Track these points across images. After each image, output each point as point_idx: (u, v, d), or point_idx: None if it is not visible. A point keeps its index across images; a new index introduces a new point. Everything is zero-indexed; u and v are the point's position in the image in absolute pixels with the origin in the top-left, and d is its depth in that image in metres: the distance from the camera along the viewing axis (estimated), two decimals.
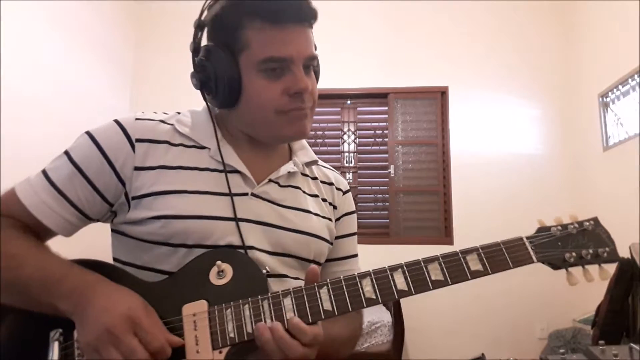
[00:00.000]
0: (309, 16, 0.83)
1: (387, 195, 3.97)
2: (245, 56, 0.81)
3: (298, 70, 0.81)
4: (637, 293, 2.42)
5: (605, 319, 2.46)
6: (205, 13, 0.85)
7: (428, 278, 0.75)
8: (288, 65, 0.81)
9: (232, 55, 0.81)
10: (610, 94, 3.34)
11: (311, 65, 0.86)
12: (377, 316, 3.16)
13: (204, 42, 0.87)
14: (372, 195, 4.02)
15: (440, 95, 4.04)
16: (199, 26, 0.85)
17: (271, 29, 0.79)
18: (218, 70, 0.82)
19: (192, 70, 0.86)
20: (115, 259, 0.86)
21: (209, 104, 0.88)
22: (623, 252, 2.46)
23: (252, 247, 0.81)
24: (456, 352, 3.50)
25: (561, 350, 1.60)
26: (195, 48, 0.86)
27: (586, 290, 3.23)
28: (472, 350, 3.33)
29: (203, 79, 0.84)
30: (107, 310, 0.70)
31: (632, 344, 1.43)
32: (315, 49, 0.90)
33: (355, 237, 1.03)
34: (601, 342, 1.46)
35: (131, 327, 0.69)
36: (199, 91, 0.88)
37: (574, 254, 0.78)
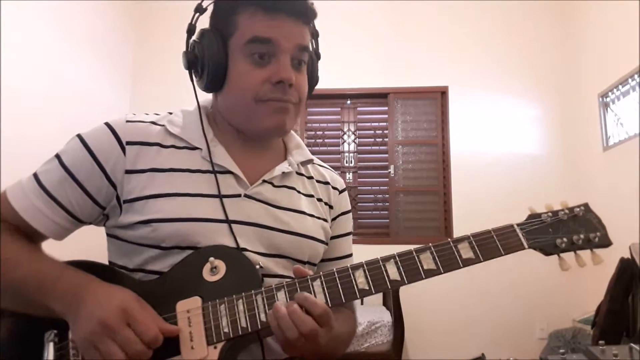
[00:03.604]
0: (304, 12, 0.83)
1: (387, 195, 3.97)
2: (234, 39, 0.82)
3: (284, 60, 0.81)
4: (637, 293, 2.42)
5: (605, 319, 2.45)
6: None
7: (420, 267, 0.75)
8: (275, 53, 0.80)
9: (222, 39, 0.82)
10: (610, 94, 3.34)
11: (302, 60, 0.85)
12: (377, 316, 3.16)
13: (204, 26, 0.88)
14: (372, 195, 4.02)
15: (440, 95, 4.04)
16: (197, 9, 0.86)
17: (262, 15, 0.80)
18: (206, 51, 0.82)
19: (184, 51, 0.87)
20: (110, 262, 0.86)
21: (195, 88, 0.87)
22: (623, 252, 2.46)
23: (244, 249, 0.80)
24: (456, 352, 3.49)
25: (561, 350, 1.60)
26: (190, 29, 0.86)
27: (586, 290, 3.23)
28: (472, 350, 3.33)
29: (191, 59, 0.85)
30: (100, 304, 0.71)
31: (632, 344, 1.43)
32: (314, 56, 0.90)
33: (350, 236, 1.03)
34: (601, 342, 1.45)
35: (124, 318, 0.69)
36: (199, 86, 0.88)
37: (565, 239, 0.78)
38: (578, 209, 0.80)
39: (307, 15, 0.84)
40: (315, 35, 0.91)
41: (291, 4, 0.81)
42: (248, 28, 0.80)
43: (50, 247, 0.84)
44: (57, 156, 0.82)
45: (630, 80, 3.08)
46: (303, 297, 0.71)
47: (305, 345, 0.71)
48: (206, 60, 0.82)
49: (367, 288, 0.74)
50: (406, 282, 0.75)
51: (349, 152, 4.09)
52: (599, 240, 0.78)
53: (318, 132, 4.12)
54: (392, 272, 0.75)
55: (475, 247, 0.77)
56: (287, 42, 0.81)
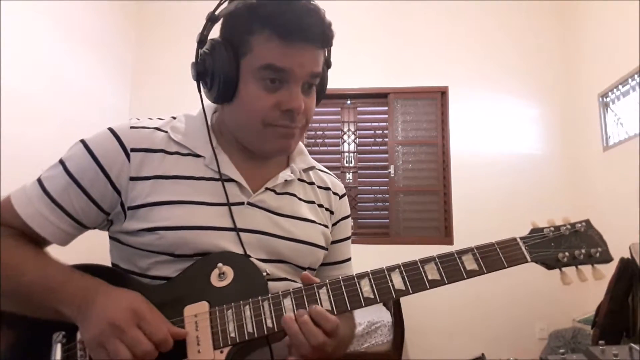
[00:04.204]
0: (321, 39, 0.81)
1: (387, 195, 3.98)
2: (247, 60, 0.79)
3: (295, 88, 0.80)
4: (637, 293, 2.42)
5: (605, 319, 2.46)
6: (222, 7, 0.83)
7: (425, 278, 0.76)
8: (287, 80, 0.79)
9: (235, 56, 0.80)
10: (610, 94, 3.34)
11: (313, 83, 0.84)
12: (377, 316, 3.16)
13: (215, 35, 0.85)
14: (372, 195, 4.02)
15: (440, 95, 4.04)
16: (210, 19, 0.84)
17: (278, 41, 0.77)
18: (217, 66, 0.80)
19: (193, 61, 0.85)
20: (113, 265, 0.87)
21: (202, 97, 0.86)
22: (623, 252, 2.46)
23: (248, 256, 0.81)
24: (456, 352, 3.50)
25: (561, 350, 1.60)
26: (202, 39, 0.84)
27: (586, 290, 3.23)
28: (472, 350, 3.34)
29: (201, 70, 0.83)
30: (110, 306, 0.72)
31: (632, 344, 1.43)
32: (325, 67, 0.88)
33: (350, 240, 1.03)
34: (601, 342, 1.46)
35: (134, 319, 0.70)
36: (207, 97, 0.86)
37: (567, 254, 0.79)
38: (579, 225, 0.81)
39: (325, 42, 0.83)
40: (329, 45, 0.89)
41: (309, 32, 0.78)
42: (263, 54, 0.78)
43: (56, 249, 0.84)
44: (62, 162, 0.82)
45: (630, 80, 3.08)
46: (315, 311, 0.72)
47: (312, 353, 0.72)
48: (216, 75, 0.80)
49: (373, 297, 0.76)
50: (411, 292, 0.76)
51: (349, 152, 4.09)
52: (600, 255, 0.80)
53: (318, 132, 4.12)
54: (397, 281, 0.76)
55: (479, 259, 0.78)
56: (301, 71, 0.79)
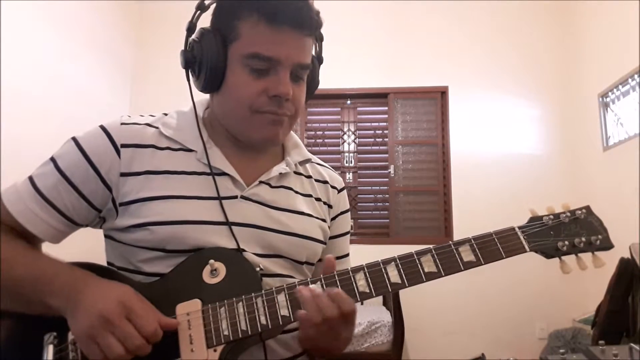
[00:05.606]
0: (309, 25, 0.80)
1: (387, 195, 3.97)
2: (235, 47, 0.80)
3: (283, 74, 0.79)
4: (637, 293, 2.42)
5: (605, 319, 2.45)
6: None
7: (421, 270, 0.75)
8: (274, 67, 0.79)
9: (222, 42, 0.80)
10: (610, 94, 3.34)
11: (301, 76, 0.83)
12: (377, 316, 3.16)
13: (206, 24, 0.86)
14: (372, 195, 4.02)
15: (440, 95, 4.04)
16: (200, 7, 0.84)
17: (266, 26, 0.77)
18: (205, 54, 0.81)
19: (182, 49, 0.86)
20: (108, 263, 0.86)
21: (192, 89, 0.86)
22: (623, 252, 2.46)
23: (243, 250, 0.80)
24: (456, 352, 3.50)
25: (561, 350, 1.60)
26: (190, 27, 0.85)
27: (586, 290, 3.23)
28: (472, 350, 3.33)
29: (189, 58, 0.83)
30: (100, 298, 0.71)
31: (632, 344, 1.43)
32: (316, 62, 0.88)
33: (349, 235, 1.02)
34: (601, 342, 1.45)
35: (124, 311, 0.70)
36: (195, 86, 0.86)
37: (566, 242, 0.78)
38: (579, 212, 0.80)
39: (312, 28, 0.82)
40: (319, 39, 0.89)
41: (296, 16, 0.78)
42: (250, 41, 0.78)
43: (51, 248, 0.84)
44: (52, 159, 0.82)
45: (630, 80, 3.07)
46: (335, 292, 0.72)
47: (324, 335, 0.71)
48: (204, 62, 0.81)
49: (368, 291, 0.74)
50: (407, 285, 0.75)
51: (349, 152, 4.09)
52: (601, 243, 0.78)
53: (318, 132, 4.12)
54: (393, 274, 0.75)
55: (477, 249, 0.76)
56: (289, 60, 0.79)
